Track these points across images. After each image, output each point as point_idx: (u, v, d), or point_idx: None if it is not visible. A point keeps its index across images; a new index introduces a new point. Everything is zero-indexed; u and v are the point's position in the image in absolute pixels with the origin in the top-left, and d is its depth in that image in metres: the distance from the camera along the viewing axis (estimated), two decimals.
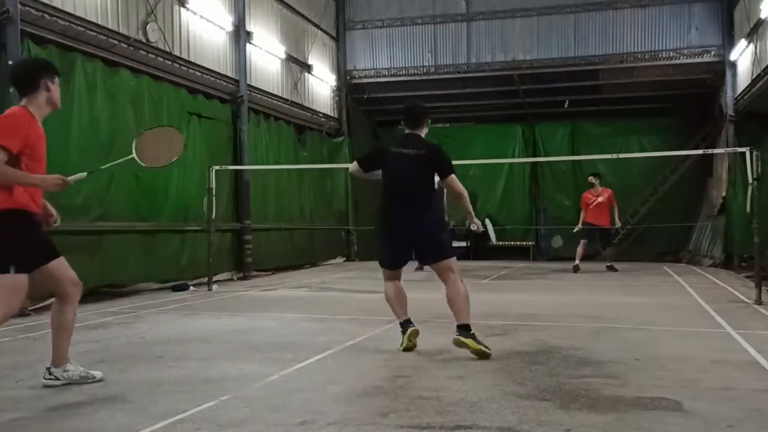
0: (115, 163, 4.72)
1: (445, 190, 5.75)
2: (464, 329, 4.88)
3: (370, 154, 5.61)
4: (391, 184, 5.22)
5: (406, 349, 5.05)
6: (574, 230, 13.34)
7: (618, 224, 13.49)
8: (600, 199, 12.85)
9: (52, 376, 4.02)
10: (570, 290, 9.77)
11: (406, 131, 5.36)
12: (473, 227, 5.46)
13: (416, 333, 5.12)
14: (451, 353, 4.95)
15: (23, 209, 3.84)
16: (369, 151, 5.86)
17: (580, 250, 12.99)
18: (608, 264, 13.07)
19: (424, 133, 5.37)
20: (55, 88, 3.99)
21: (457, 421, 3.29)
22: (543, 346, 5.20)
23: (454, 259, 5.17)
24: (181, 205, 10.54)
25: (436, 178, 5.26)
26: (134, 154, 4.47)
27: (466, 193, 5.25)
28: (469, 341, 4.80)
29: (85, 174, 4.30)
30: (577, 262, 12.82)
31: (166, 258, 10.13)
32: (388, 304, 5.35)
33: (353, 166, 5.47)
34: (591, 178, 13.20)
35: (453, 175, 5.19)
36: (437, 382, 4.09)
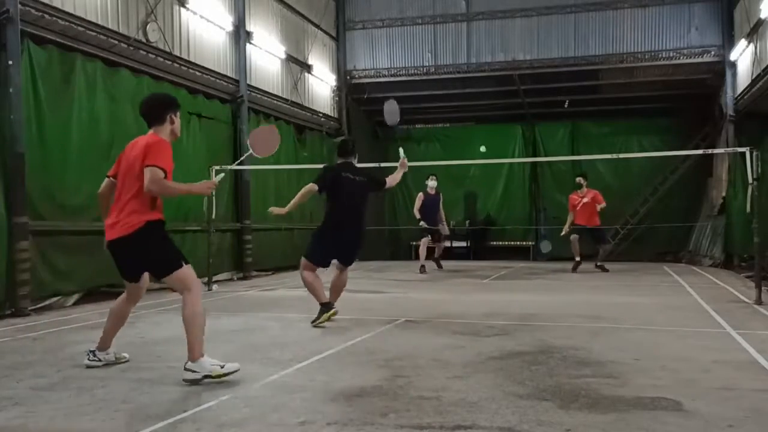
0: (241, 159, 5.88)
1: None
2: (326, 306, 6.37)
3: (323, 176, 6.71)
4: (344, 203, 6.56)
5: (319, 325, 6.26)
6: (561, 234, 13.19)
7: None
8: (585, 199, 12.75)
9: (96, 358, 4.62)
10: (570, 290, 9.77)
11: (341, 161, 6.75)
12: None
13: (335, 313, 6.40)
14: (451, 353, 4.95)
15: (162, 219, 4.57)
16: (322, 173, 6.86)
17: (576, 247, 12.88)
18: (598, 263, 12.96)
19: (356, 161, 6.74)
20: (177, 120, 4.61)
21: (457, 421, 3.29)
22: (543, 346, 5.20)
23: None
24: (181, 205, 10.54)
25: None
26: (250, 150, 5.63)
27: (393, 180, 7.06)
28: (323, 316, 6.29)
29: (223, 174, 5.34)
30: (577, 258, 12.72)
31: None
32: (310, 289, 6.55)
33: (309, 187, 6.60)
34: (579, 179, 13.03)
35: (386, 179, 6.96)
36: (437, 382, 4.09)
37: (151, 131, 4.50)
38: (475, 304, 7.95)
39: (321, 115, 16.37)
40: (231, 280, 11.82)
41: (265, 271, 13.01)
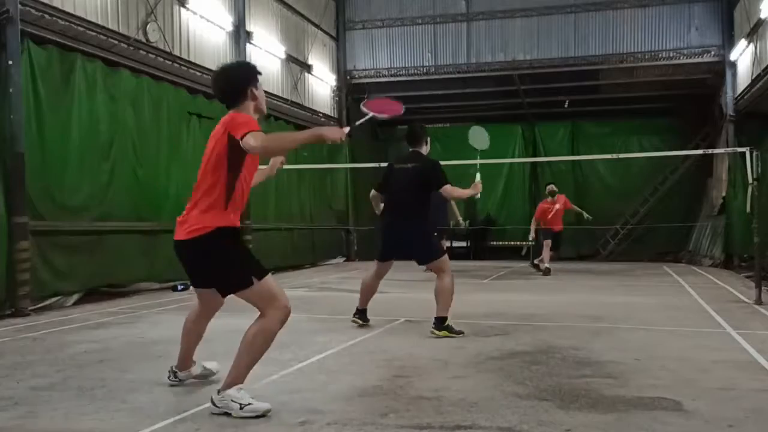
0: (360, 121, 4.53)
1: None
2: (439, 321, 5.72)
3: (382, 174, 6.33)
4: (392, 196, 6.08)
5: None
6: (530, 238, 12.88)
7: (588, 217, 13.18)
8: (557, 206, 12.59)
9: (176, 379, 4.11)
10: (570, 290, 9.77)
11: (409, 150, 6.17)
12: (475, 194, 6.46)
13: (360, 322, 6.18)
14: (451, 353, 4.95)
15: (237, 226, 3.84)
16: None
17: (546, 252, 12.48)
18: (535, 261, 12.74)
19: (425, 150, 6.17)
20: (260, 93, 3.87)
21: (457, 421, 3.29)
22: (543, 346, 5.19)
23: (442, 259, 5.96)
24: (181, 205, 10.44)
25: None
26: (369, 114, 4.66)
27: (461, 193, 6.28)
28: (442, 333, 5.64)
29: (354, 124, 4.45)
30: (546, 264, 12.32)
31: (166, 258, 10.10)
32: (361, 289, 6.26)
33: (372, 193, 6.34)
34: (552, 186, 12.82)
35: (447, 186, 5.95)
36: (437, 382, 4.09)
37: (231, 112, 3.80)
38: (475, 304, 7.94)
39: (321, 115, 16.37)
40: None
41: None
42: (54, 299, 8.01)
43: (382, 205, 6.22)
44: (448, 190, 5.95)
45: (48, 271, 7.94)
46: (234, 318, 7.06)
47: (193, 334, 4.14)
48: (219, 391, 3.50)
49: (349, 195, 16.91)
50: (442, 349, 5.13)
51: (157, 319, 7.04)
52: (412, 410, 3.48)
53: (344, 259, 16.97)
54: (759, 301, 7.63)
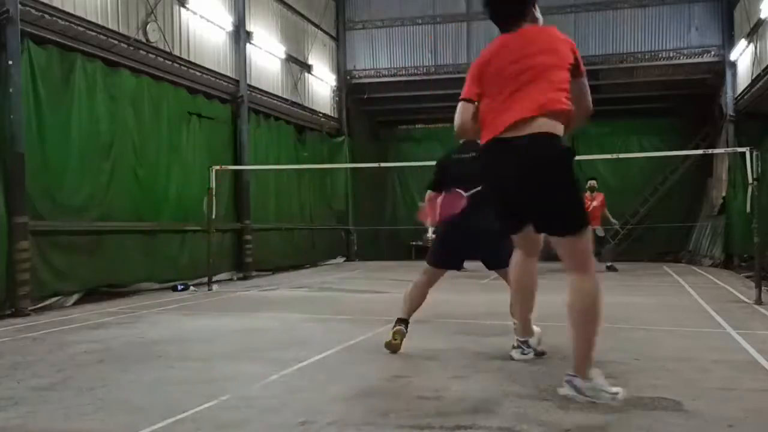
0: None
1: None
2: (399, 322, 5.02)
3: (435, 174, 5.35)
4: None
5: (387, 346, 4.92)
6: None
7: (616, 223, 13.51)
8: (594, 203, 12.93)
9: (529, 348, 4.39)
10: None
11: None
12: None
13: (400, 333, 4.99)
14: (451, 353, 4.95)
15: None
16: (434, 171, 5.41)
17: None
18: (608, 264, 13.09)
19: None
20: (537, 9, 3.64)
21: (457, 421, 3.29)
22: (543, 346, 5.18)
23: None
24: (181, 205, 10.54)
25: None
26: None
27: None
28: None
29: None
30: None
31: (166, 258, 10.14)
32: (406, 295, 5.14)
33: (427, 195, 5.32)
34: (592, 183, 13.26)
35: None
36: (437, 382, 4.08)
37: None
38: (475, 304, 7.94)
39: (321, 115, 16.37)
40: (231, 280, 11.82)
41: (265, 271, 13.01)
42: (54, 299, 8.01)
43: None
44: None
45: (48, 271, 7.94)
46: (235, 318, 7.06)
47: (522, 290, 3.97)
48: (580, 380, 3.34)
49: (349, 195, 16.91)
50: (442, 349, 5.13)
51: (157, 319, 7.04)
52: (412, 410, 3.48)
53: (344, 259, 16.97)
54: (759, 301, 7.63)
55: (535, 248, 3.83)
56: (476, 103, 3.64)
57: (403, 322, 5.01)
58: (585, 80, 3.59)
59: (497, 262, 4.93)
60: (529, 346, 4.56)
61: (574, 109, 3.46)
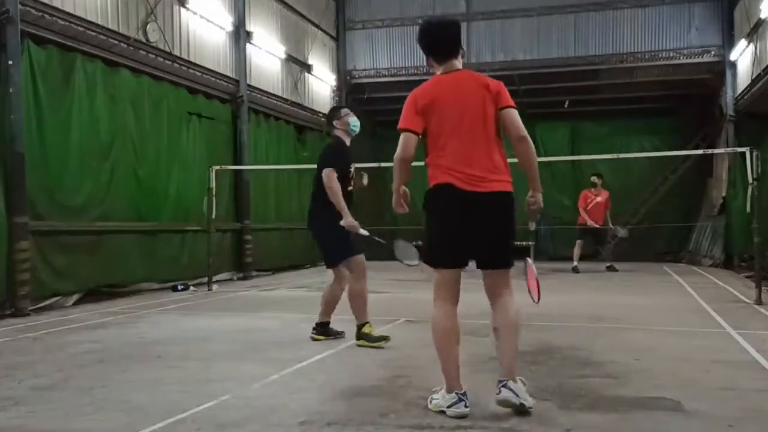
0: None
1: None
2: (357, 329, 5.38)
3: None
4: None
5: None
6: (588, 224, 13.18)
7: (621, 231, 13.50)
8: (598, 199, 12.97)
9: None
10: (570, 290, 9.76)
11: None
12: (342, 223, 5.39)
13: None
14: None
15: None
16: None
17: (576, 251, 13.10)
18: (608, 264, 13.09)
19: (334, 131, 5.69)
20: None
21: (457, 421, 3.29)
22: (543, 346, 5.19)
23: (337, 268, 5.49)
24: (181, 205, 10.54)
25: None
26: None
27: (333, 189, 5.31)
28: (360, 342, 5.33)
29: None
30: (575, 263, 12.91)
31: (166, 258, 10.13)
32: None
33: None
34: (594, 178, 13.29)
35: (326, 169, 5.36)
36: (437, 382, 4.08)
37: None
38: (474, 304, 7.92)
39: (321, 115, 16.35)
40: (231, 280, 11.82)
41: (265, 271, 13.01)
42: (54, 299, 8.01)
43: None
44: (325, 175, 5.36)
45: (48, 271, 7.94)
46: (235, 318, 7.05)
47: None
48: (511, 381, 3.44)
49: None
50: None
51: (157, 319, 7.04)
52: (412, 410, 3.48)
53: None
54: (759, 301, 7.63)
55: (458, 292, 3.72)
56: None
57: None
58: None
59: None
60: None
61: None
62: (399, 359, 4.79)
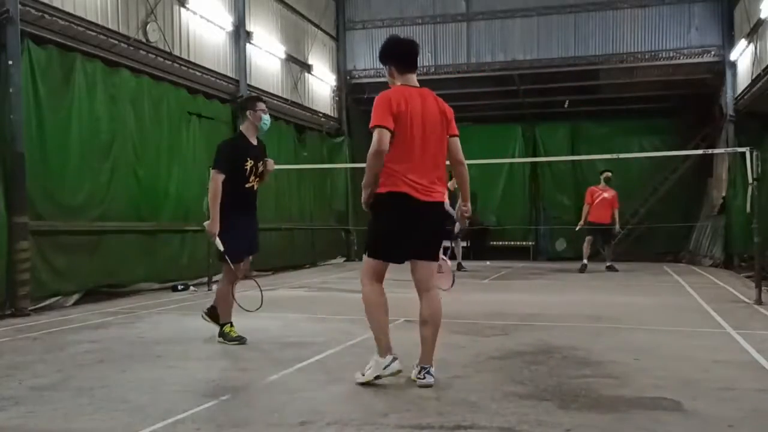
0: None
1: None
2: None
3: None
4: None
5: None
6: (577, 228, 13.28)
7: (617, 228, 13.45)
8: (605, 194, 12.87)
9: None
10: (570, 290, 9.77)
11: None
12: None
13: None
14: (451, 353, 4.95)
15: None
16: None
17: (586, 247, 13.06)
18: (608, 264, 13.08)
19: (244, 121, 5.63)
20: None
21: (457, 421, 3.29)
22: (543, 346, 5.20)
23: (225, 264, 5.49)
24: (181, 205, 10.54)
25: None
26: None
27: (212, 191, 5.29)
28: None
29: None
30: (584, 261, 12.89)
31: (166, 258, 10.13)
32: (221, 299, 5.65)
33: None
34: (608, 174, 13.19)
35: (212, 171, 5.37)
36: (437, 382, 4.09)
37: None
38: (475, 304, 7.95)
39: (321, 115, 16.37)
40: None
41: (265, 271, 13.00)
42: (54, 299, 8.01)
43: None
44: (212, 175, 5.34)
45: (48, 271, 7.93)
46: (235, 318, 7.06)
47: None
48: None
49: (349, 195, 16.89)
50: (442, 349, 5.12)
51: (157, 319, 7.05)
52: (412, 410, 3.48)
53: (344, 259, 16.96)
54: (759, 301, 7.63)
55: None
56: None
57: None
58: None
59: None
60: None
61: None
62: (399, 359, 4.78)
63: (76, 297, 8.33)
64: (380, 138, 3.89)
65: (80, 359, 4.85)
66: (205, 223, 5.32)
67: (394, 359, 3.97)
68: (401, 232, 3.98)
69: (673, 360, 4.66)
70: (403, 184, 3.92)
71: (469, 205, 4.40)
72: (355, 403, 3.66)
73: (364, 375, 4.01)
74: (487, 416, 3.35)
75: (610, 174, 13.27)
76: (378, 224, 4.05)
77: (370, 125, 3.94)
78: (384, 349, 3.99)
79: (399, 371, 3.97)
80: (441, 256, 4.54)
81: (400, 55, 4.33)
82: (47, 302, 7.89)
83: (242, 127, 5.65)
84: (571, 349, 5.06)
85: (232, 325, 5.61)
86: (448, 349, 5.12)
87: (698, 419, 3.29)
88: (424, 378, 3.98)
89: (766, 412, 3.42)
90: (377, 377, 3.96)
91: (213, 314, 5.75)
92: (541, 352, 4.99)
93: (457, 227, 4.71)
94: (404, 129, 3.93)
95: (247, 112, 5.59)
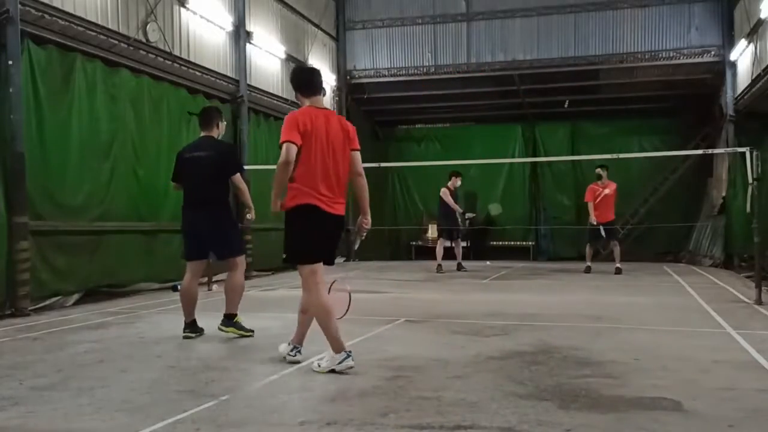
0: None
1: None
2: (228, 318, 5.77)
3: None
4: (186, 187, 6.04)
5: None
6: (595, 224, 12.48)
7: (619, 231, 13.32)
8: (606, 191, 12.68)
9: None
10: (570, 290, 9.77)
11: (202, 134, 6.06)
12: (249, 217, 6.41)
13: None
14: (451, 353, 4.95)
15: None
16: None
17: (588, 251, 12.98)
18: (617, 266, 12.60)
19: (216, 134, 6.05)
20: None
21: (457, 421, 3.29)
22: (543, 346, 5.20)
23: (242, 257, 6.01)
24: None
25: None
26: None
27: (244, 188, 6.11)
28: (230, 330, 5.74)
29: None
30: (588, 263, 12.80)
31: (166, 258, 10.12)
32: (183, 299, 5.89)
33: (173, 186, 6.32)
34: (599, 170, 12.89)
35: (238, 174, 6.02)
36: (437, 382, 4.09)
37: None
38: (475, 304, 7.95)
39: None
40: None
41: (265, 271, 13.01)
42: (54, 299, 8.00)
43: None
44: (237, 180, 6.00)
45: (48, 271, 7.93)
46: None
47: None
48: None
49: (348, 195, 16.89)
50: (442, 349, 5.13)
51: (157, 319, 7.05)
52: (412, 410, 3.48)
53: (344, 259, 16.96)
54: (759, 301, 7.63)
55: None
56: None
57: (189, 325, 5.80)
58: None
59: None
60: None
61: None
62: (399, 359, 4.79)
63: (76, 297, 8.33)
64: (287, 150, 4.31)
65: (80, 359, 4.85)
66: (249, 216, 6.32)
67: (348, 355, 4.32)
68: (319, 237, 4.46)
69: (673, 360, 4.66)
70: (311, 197, 4.38)
71: (369, 218, 4.70)
72: (355, 403, 3.66)
73: (318, 366, 4.39)
74: (487, 416, 3.35)
75: (602, 170, 12.83)
76: (297, 232, 4.44)
77: (280, 141, 4.34)
78: (339, 346, 4.36)
79: (352, 366, 4.30)
80: (345, 286, 5.07)
81: (304, 82, 4.68)
82: (47, 302, 7.89)
83: (213, 135, 6.14)
84: (571, 349, 5.06)
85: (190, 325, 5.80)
86: (448, 349, 5.13)
87: (698, 419, 3.29)
88: (295, 355, 4.69)
89: (766, 412, 3.42)
90: (332, 370, 4.30)
91: (228, 323, 5.82)
92: (541, 352, 4.99)
93: (357, 243, 5.02)
94: (309, 146, 4.34)
95: (220, 124, 6.10)
